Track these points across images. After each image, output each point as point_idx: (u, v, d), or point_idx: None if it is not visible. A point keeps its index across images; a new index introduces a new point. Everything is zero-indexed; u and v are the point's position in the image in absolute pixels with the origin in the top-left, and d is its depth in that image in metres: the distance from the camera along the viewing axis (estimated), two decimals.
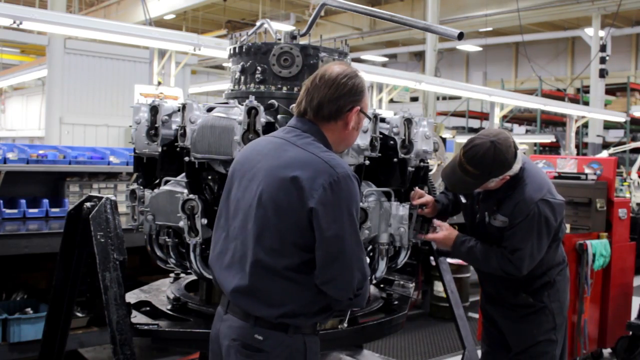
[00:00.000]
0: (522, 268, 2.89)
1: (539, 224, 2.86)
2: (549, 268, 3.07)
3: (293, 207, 2.01)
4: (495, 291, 3.22)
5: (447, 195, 3.24)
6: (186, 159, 2.59)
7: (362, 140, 2.65)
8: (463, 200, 3.19)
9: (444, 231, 3.02)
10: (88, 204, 2.80)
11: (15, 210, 4.74)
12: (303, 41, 2.88)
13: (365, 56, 23.11)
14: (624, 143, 15.31)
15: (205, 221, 2.52)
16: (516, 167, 2.89)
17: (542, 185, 2.93)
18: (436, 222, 3.05)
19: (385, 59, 24.60)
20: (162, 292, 3.05)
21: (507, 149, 2.83)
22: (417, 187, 2.95)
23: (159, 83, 8.24)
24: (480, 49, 21.88)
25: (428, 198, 2.97)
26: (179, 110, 2.68)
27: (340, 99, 2.14)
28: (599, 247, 5.00)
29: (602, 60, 15.29)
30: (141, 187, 2.83)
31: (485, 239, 3.00)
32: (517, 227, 2.87)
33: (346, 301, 2.10)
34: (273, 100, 2.71)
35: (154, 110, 2.70)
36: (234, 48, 2.92)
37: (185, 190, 2.59)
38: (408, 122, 2.77)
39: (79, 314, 4.44)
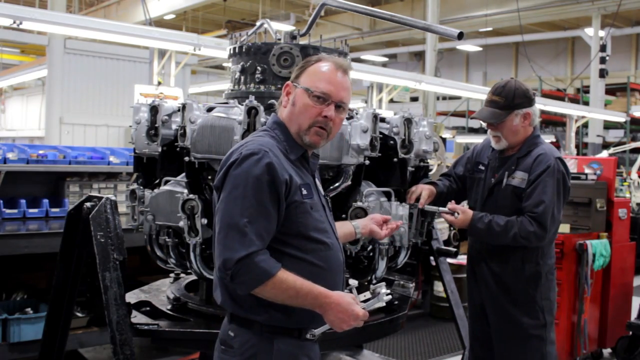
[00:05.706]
0: (547, 225, 2.90)
1: (558, 179, 2.96)
2: (541, 257, 3.05)
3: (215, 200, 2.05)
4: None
5: (446, 181, 3.25)
6: (186, 159, 2.59)
7: (362, 140, 2.66)
8: (481, 167, 3.19)
9: (460, 215, 2.98)
10: (88, 204, 2.80)
11: (15, 210, 4.74)
12: (303, 41, 2.89)
13: (365, 56, 23.07)
14: (624, 143, 15.28)
15: (205, 221, 2.53)
16: (536, 111, 3.09)
17: (557, 152, 3.10)
18: (451, 205, 2.99)
19: (385, 59, 24.56)
20: (162, 292, 3.06)
21: (527, 87, 3.11)
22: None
23: (159, 83, 8.22)
24: (480, 49, 21.85)
25: (421, 188, 2.94)
26: (179, 110, 2.69)
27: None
28: (599, 247, 5.00)
29: (602, 60, 15.24)
30: (141, 187, 2.83)
31: (497, 209, 3.00)
32: (538, 181, 2.94)
33: (228, 281, 1.92)
34: (273, 100, 2.71)
35: (154, 110, 2.71)
36: (234, 48, 2.93)
37: (185, 190, 2.59)
38: (408, 122, 2.78)
39: (79, 314, 4.44)
